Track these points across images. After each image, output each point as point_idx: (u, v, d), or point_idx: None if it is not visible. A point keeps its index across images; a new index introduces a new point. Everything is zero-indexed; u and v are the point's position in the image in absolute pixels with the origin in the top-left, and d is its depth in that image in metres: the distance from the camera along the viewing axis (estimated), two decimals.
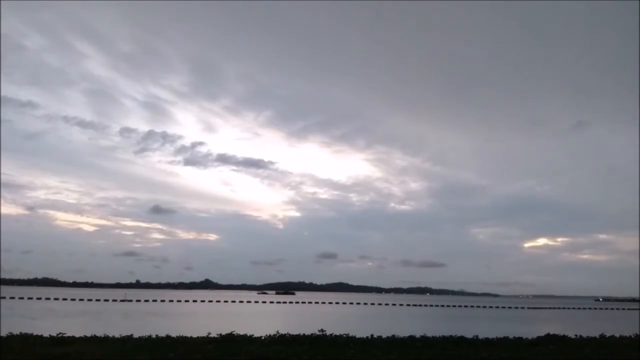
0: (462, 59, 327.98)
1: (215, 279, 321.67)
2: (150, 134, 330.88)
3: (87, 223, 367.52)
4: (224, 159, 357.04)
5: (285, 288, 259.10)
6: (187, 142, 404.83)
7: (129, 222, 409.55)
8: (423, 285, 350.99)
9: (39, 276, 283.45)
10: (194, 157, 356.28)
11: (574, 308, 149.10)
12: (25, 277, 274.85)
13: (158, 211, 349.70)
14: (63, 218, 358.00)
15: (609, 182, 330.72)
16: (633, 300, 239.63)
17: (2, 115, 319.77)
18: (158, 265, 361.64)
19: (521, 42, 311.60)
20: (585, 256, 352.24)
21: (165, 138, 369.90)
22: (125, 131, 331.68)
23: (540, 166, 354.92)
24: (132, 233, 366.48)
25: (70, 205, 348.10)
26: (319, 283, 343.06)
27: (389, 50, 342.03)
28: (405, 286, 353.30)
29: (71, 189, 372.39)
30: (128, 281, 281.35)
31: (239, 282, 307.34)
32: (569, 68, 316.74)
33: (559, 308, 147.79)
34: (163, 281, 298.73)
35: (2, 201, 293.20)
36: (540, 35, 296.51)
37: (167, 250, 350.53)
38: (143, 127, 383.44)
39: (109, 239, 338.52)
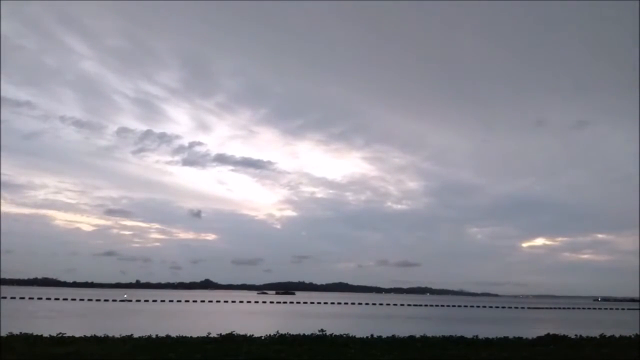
0: (461, 58, 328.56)
1: (215, 279, 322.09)
2: (147, 134, 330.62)
3: (87, 223, 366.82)
4: (219, 158, 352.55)
5: (285, 288, 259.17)
6: (182, 141, 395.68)
7: (127, 222, 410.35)
8: (422, 285, 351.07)
9: (39, 276, 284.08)
10: (190, 157, 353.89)
11: (573, 308, 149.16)
12: (25, 277, 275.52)
13: (157, 211, 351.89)
14: (62, 218, 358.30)
15: (609, 182, 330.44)
16: (632, 300, 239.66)
17: (0, 116, 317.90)
18: (157, 265, 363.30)
19: (521, 41, 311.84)
20: (585, 256, 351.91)
21: (162, 138, 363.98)
22: (123, 131, 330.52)
23: (539, 165, 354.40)
24: (130, 233, 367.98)
25: (69, 205, 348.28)
26: (318, 283, 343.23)
27: (387, 47, 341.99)
28: (405, 286, 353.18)
29: (69, 188, 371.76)
30: (128, 281, 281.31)
31: (239, 282, 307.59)
32: (569, 67, 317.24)
33: (559, 308, 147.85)
34: (163, 281, 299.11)
35: (1, 201, 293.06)
36: (540, 34, 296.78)
37: (167, 250, 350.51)
38: (136, 124, 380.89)
39: (107, 238, 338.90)
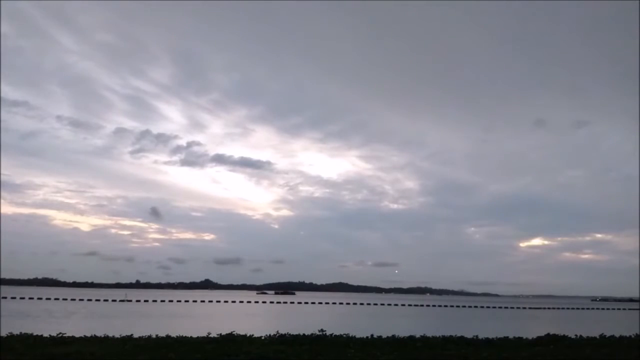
0: (460, 57, 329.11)
1: (214, 278, 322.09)
2: (145, 134, 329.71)
3: (86, 222, 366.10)
4: (215, 157, 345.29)
5: (285, 288, 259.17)
6: (181, 141, 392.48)
7: (127, 222, 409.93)
8: (422, 285, 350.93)
9: (39, 276, 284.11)
10: (187, 157, 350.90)
11: (573, 308, 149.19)
12: (25, 277, 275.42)
13: (154, 211, 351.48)
14: (60, 217, 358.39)
15: (609, 182, 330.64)
16: (631, 300, 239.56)
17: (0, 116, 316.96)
18: (157, 265, 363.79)
19: (521, 40, 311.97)
20: (584, 256, 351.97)
21: (159, 138, 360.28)
22: (120, 131, 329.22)
23: (538, 165, 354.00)
24: (129, 233, 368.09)
25: (68, 205, 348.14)
26: (319, 283, 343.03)
27: (386, 45, 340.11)
28: (404, 286, 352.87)
29: (68, 188, 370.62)
30: (127, 281, 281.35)
31: (239, 282, 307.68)
32: (569, 67, 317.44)
33: (558, 308, 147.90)
34: (163, 281, 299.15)
35: (1, 201, 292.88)
36: (539, 34, 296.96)
37: (166, 249, 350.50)
38: (129, 122, 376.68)
39: (106, 238, 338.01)
